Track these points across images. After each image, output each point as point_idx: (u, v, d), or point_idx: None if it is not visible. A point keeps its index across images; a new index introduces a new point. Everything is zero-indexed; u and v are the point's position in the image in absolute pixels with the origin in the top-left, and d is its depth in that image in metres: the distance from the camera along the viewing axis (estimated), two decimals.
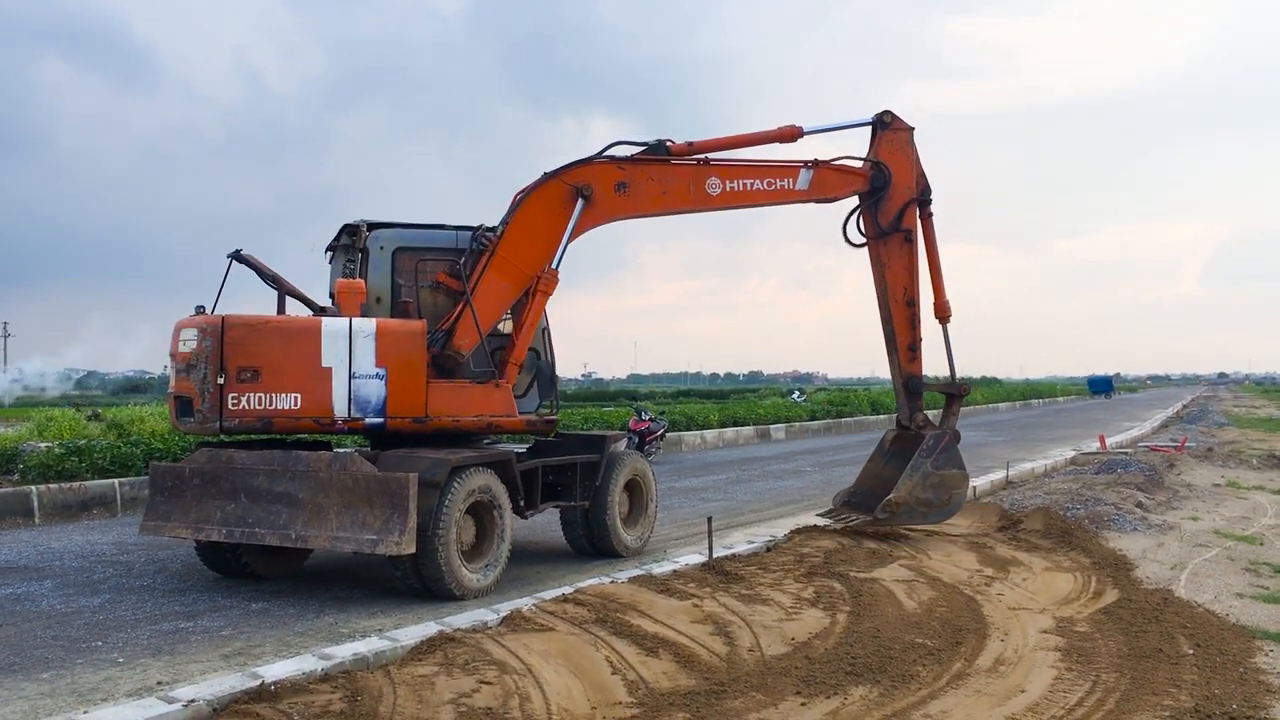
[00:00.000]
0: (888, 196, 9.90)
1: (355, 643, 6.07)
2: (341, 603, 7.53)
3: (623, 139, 10.39)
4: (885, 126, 9.97)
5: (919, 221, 10.06)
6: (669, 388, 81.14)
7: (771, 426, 28.80)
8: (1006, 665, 6.10)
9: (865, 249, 10.12)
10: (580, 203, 8.56)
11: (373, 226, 8.50)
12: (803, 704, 5.36)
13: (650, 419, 20.35)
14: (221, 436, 7.84)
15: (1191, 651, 6.40)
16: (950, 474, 9.87)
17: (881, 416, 36.28)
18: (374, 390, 7.68)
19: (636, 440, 18.90)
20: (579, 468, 9.10)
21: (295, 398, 7.50)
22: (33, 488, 11.99)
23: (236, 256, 8.04)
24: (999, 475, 15.74)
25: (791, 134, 9.65)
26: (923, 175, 10.07)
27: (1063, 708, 5.40)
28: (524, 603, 6.89)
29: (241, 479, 7.62)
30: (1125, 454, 18.90)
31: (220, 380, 7.32)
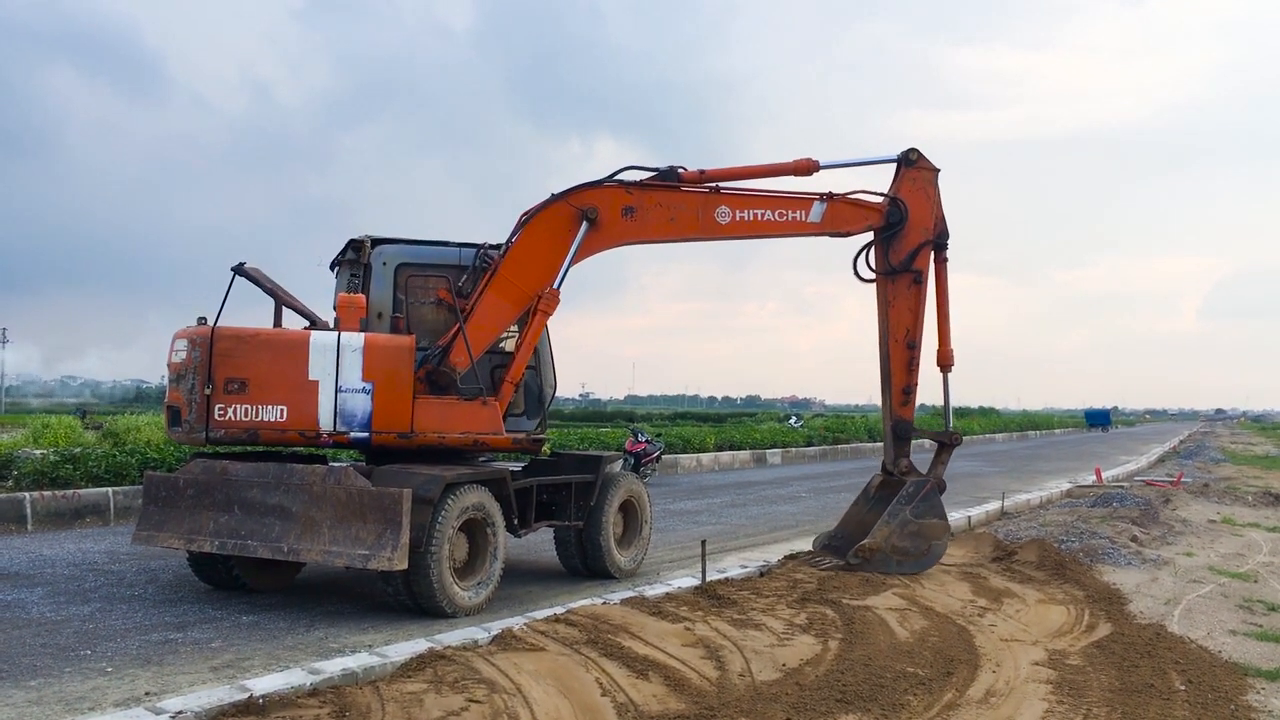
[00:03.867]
0: (902, 234, 9.62)
1: (345, 658, 6.05)
2: (332, 617, 7.51)
3: (634, 164, 10.29)
4: (911, 164, 9.69)
5: (932, 264, 9.75)
6: (666, 409, 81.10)
7: (768, 451, 28.81)
8: (998, 697, 6.08)
9: (873, 284, 9.84)
10: (585, 226, 8.51)
11: (376, 242, 8.54)
12: None
13: (646, 440, 20.35)
14: (207, 447, 7.81)
15: (1183, 688, 6.38)
16: (930, 523, 9.53)
17: (878, 444, 36.19)
18: (360, 404, 7.67)
19: (632, 461, 18.93)
20: (574, 488, 9.10)
21: (281, 410, 7.50)
22: (26, 494, 11.97)
23: (238, 270, 8.06)
24: (994, 506, 15.72)
25: (807, 167, 9.39)
26: (942, 218, 9.76)
27: None
28: (515, 622, 6.87)
29: (235, 491, 7.60)
30: (1121, 488, 18.88)
31: (208, 391, 7.33)
